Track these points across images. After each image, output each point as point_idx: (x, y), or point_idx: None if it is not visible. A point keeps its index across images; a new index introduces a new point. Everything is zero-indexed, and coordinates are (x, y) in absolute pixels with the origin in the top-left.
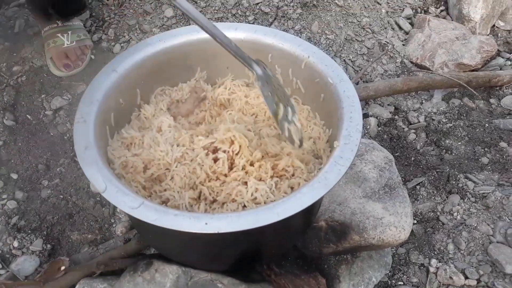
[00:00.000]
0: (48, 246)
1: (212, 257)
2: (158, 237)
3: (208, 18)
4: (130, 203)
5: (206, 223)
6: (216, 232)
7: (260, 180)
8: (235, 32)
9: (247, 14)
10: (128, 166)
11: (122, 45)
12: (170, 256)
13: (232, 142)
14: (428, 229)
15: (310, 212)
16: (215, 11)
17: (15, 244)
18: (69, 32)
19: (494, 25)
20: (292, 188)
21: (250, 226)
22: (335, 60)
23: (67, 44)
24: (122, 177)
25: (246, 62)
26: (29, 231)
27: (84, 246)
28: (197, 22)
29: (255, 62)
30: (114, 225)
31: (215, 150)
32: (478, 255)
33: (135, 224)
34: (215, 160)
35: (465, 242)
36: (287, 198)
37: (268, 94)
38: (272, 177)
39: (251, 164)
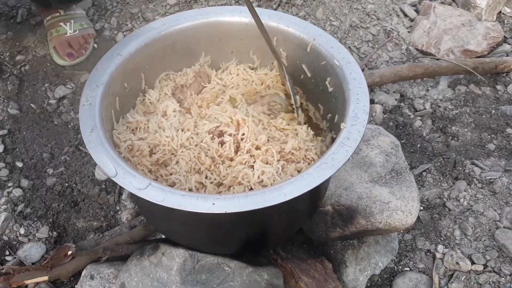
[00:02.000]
0: (54, 233)
1: (219, 240)
2: (165, 219)
3: (212, 5)
4: (137, 184)
5: (213, 204)
6: (223, 212)
7: (267, 163)
8: (239, 15)
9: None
10: (134, 150)
11: (124, 33)
12: (176, 239)
13: (238, 125)
14: (435, 215)
15: (317, 195)
16: None
17: (22, 231)
18: (72, 21)
19: (500, 12)
20: (299, 171)
21: (258, 206)
22: None
23: (70, 33)
24: (128, 160)
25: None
26: (35, 219)
27: (90, 233)
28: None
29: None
30: (119, 213)
31: (221, 134)
32: (484, 240)
33: (142, 207)
34: (221, 143)
35: (472, 228)
36: (294, 179)
37: (291, 85)
38: (278, 160)
39: (257, 148)
